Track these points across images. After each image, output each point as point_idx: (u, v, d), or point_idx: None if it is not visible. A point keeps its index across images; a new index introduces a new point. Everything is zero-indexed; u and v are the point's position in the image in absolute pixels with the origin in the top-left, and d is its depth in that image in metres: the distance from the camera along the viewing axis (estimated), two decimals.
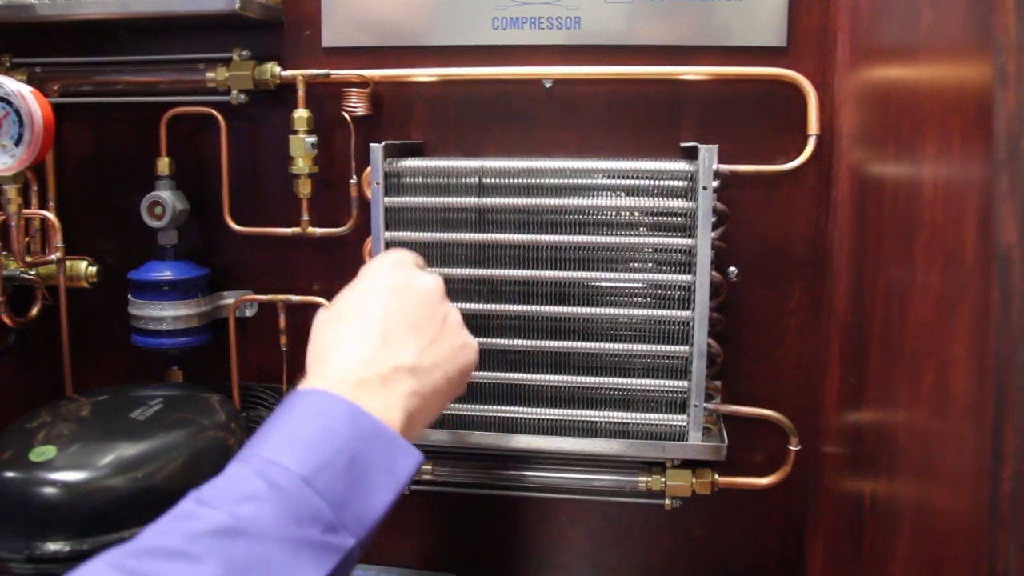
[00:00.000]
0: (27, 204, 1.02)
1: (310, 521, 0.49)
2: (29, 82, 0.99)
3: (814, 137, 0.90)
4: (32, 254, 1.04)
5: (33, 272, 1.03)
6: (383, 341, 0.61)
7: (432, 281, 0.67)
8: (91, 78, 1.02)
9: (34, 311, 1.05)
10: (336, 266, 1.02)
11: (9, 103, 0.92)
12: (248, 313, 1.05)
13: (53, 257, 1.02)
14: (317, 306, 1.01)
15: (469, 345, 0.66)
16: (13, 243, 0.98)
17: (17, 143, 0.93)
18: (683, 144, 0.92)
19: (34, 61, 1.03)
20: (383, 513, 0.53)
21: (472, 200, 0.89)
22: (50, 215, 1.02)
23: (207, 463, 0.81)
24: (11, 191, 0.95)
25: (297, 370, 1.03)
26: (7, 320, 1.02)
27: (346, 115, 0.97)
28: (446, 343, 0.64)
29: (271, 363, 1.04)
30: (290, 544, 0.48)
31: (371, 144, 0.88)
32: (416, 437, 0.59)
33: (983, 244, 0.48)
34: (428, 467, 0.99)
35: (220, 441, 0.84)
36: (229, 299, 1.03)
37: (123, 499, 0.74)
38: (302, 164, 0.97)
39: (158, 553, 0.45)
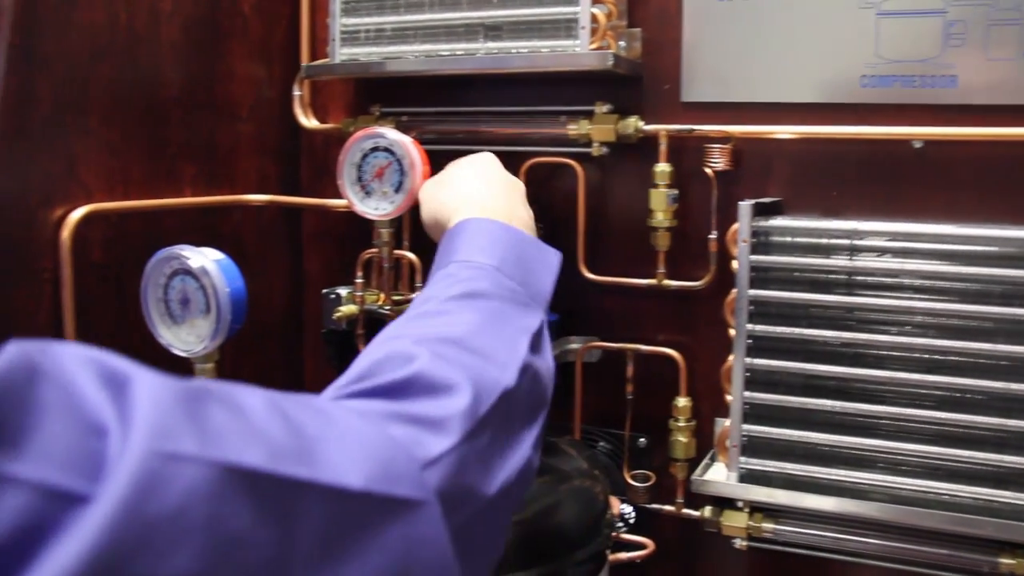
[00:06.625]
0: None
1: (512, 291, 0.62)
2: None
3: None
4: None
5: (388, 308, 1.10)
6: (486, 185, 0.76)
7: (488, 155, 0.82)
8: (453, 127, 1.08)
9: None
10: (687, 320, 1.03)
11: (392, 152, 0.99)
12: (591, 359, 1.07)
13: (413, 297, 1.08)
14: (666, 357, 1.02)
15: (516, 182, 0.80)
16: (383, 281, 1.05)
17: (397, 190, 0.99)
18: None
19: (400, 111, 1.10)
20: (550, 295, 0.66)
21: (844, 261, 0.88)
22: (412, 256, 1.08)
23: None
24: (386, 234, 1.02)
25: (638, 417, 1.05)
26: None
27: (708, 170, 0.98)
28: (513, 194, 0.77)
29: (611, 409, 1.06)
30: (510, 301, 0.61)
31: (739, 203, 0.89)
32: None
33: None
34: (770, 525, 0.98)
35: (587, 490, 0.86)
36: (576, 344, 1.06)
37: None
38: (661, 217, 0.98)
39: (424, 314, 0.58)
